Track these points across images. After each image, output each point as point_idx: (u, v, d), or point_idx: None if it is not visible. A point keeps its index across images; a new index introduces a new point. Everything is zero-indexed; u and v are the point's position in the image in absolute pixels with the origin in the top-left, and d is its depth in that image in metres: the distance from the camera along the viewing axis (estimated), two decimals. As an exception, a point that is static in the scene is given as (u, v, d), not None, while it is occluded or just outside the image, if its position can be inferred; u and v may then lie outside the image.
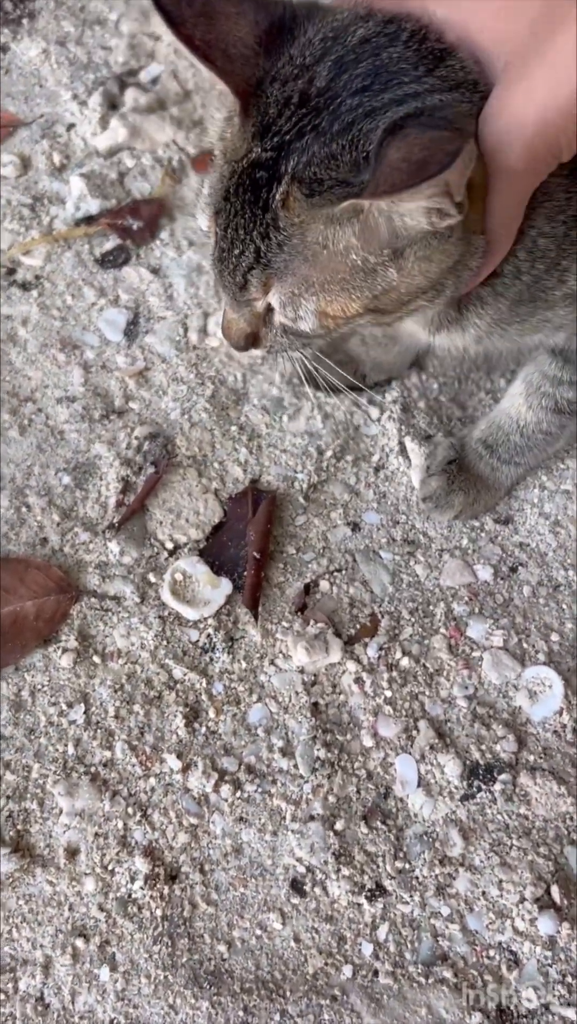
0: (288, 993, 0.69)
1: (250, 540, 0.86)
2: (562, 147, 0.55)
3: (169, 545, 0.88)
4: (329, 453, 0.94)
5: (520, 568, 0.89)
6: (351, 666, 0.82)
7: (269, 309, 0.61)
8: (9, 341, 1.00)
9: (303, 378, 0.74)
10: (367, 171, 0.51)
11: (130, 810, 0.76)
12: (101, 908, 0.73)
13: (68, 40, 1.28)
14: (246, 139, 0.56)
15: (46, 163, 1.15)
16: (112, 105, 1.21)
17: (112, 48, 1.27)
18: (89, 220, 1.10)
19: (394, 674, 0.82)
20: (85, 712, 0.80)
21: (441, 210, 0.52)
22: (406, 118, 0.51)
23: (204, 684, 0.81)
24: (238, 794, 0.77)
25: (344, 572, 0.88)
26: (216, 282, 0.62)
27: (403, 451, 0.95)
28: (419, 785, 0.77)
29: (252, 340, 0.64)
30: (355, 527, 0.91)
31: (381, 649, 0.83)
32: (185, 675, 0.82)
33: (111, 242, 1.08)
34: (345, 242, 0.55)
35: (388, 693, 0.81)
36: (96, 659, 0.82)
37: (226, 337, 0.65)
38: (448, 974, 0.71)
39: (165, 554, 0.88)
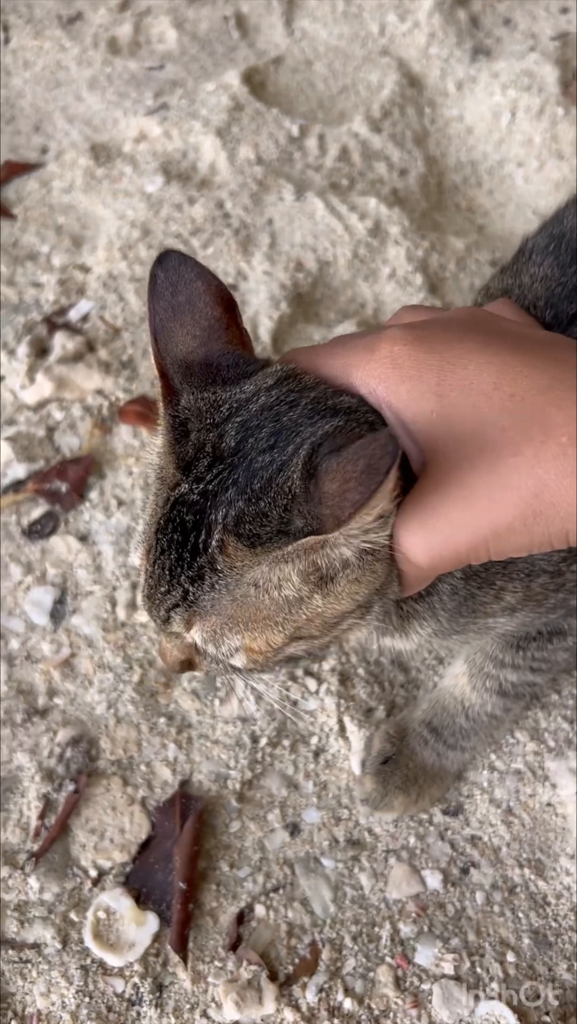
0: None
1: (176, 867, 0.80)
2: (470, 561, 0.54)
3: (93, 872, 0.83)
4: (264, 740, 0.88)
5: (472, 869, 0.81)
6: (288, 1015, 0.75)
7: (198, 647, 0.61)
8: None
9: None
10: (301, 516, 0.52)
11: None
12: None
13: None
14: (174, 466, 0.58)
15: (-26, 423, 1.13)
16: (41, 350, 1.19)
17: (43, 284, 1.27)
18: (17, 486, 1.07)
19: (336, 1021, 0.75)
20: None
21: (386, 518, 0.52)
22: (315, 450, 0.53)
23: (132, 1044, 0.75)
24: None
25: (282, 891, 0.81)
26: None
27: (343, 731, 0.88)
28: None
29: (187, 665, 0.63)
30: (294, 829, 0.84)
31: (321, 991, 0.76)
32: (110, 1036, 0.75)
33: (39, 509, 1.05)
34: (282, 578, 0.55)
35: (330, 1043, 0.74)
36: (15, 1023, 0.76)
37: (163, 661, 0.64)
38: None
39: (88, 884, 0.82)
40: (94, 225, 1.34)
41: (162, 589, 0.58)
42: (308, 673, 0.92)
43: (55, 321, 1.23)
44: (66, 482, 1.06)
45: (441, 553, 0.52)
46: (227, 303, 0.60)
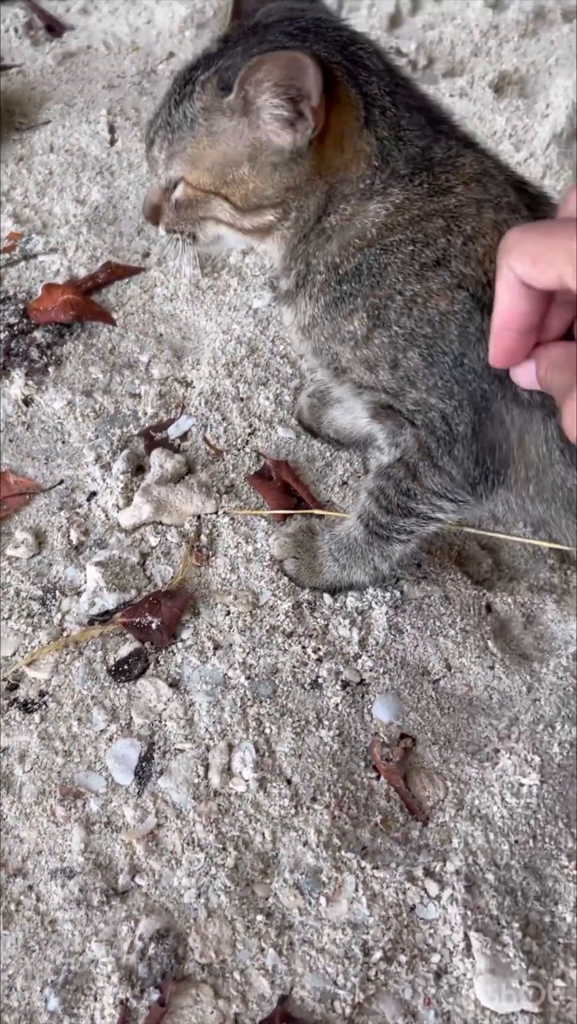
0: None
1: None
2: None
3: None
4: (378, 954, 0.76)
5: None
6: None
7: (167, 189, 0.80)
8: (2, 785, 0.86)
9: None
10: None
11: None
12: None
13: (95, 388, 1.21)
14: (216, 41, 0.77)
15: (62, 541, 1.05)
16: (138, 468, 1.12)
17: (141, 395, 1.20)
18: (104, 617, 0.97)
19: None
20: None
21: (288, 119, 0.70)
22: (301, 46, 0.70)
23: None
24: None
25: None
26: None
27: (468, 949, 0.76)
28: None
29: (156, 212, 0.82)
30: (413, 1075, 0.71)
31: None
32: None
33: (127, 647, 0.95)
34: (224, 128, 0.73)
35: None
36: None
37: (142, 210, 0.84)
38: None
39: None
40: (196, 337, 1.28)
41: (159, 116, 0.77)
42: (428, 874, 0.80)
43: (153, 436, 1.15)
44: (158, 617, 0.97)
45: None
46: None
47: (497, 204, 0.77)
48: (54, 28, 1.96)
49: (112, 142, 1.60)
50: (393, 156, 0.75)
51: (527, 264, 0.55)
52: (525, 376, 0.63)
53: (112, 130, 1.62)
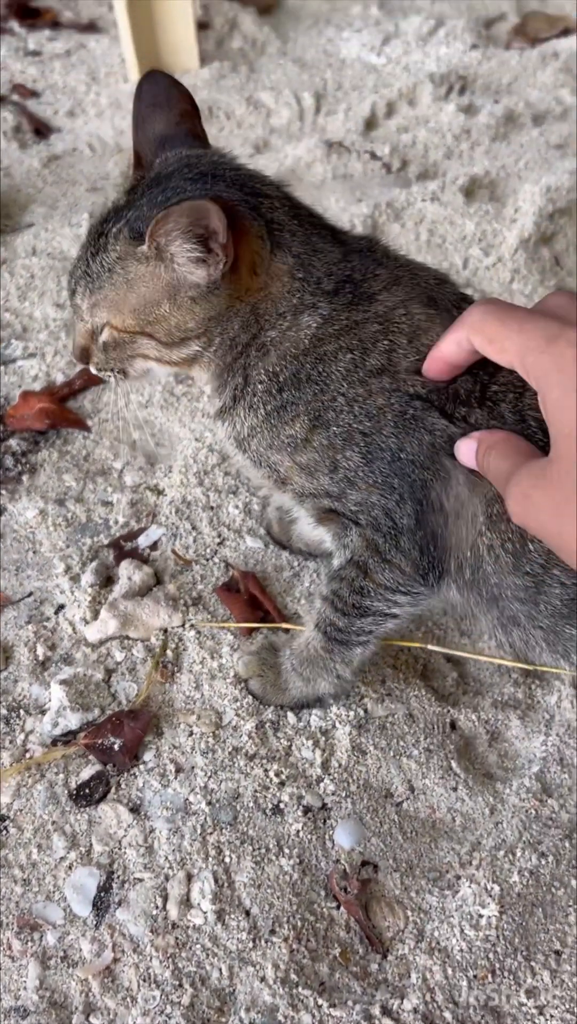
0: None
1: None
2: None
3: None
4: None
5: None
6: None
7: (94, 332, 0.85)
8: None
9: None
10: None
11: None
12: None
13: (68, 497, 1.22)
14: (124, 193, 0.84)
15: (29, 657, 1.05)
16: (107, 579, 1.13)
17: (113, 503, 1.22)
18: (67, 738, 0.98)
19: None
20: None
21: (200, 258, 0.76)
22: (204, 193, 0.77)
23: None
24: None
25: None
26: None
27: None
28: None
29: (86, 354, 0.87)
30: None
31: None
32: None
33: (88, 769, 0.95)
34: (141, 274, 0.78)
35: None
36: None
37: (72, 352, 0.90)
38: None
39: None
40: (170, 443, 1.31)
41: (79, 267, 0.83)
42: (386, 1012, 0.79)
43: (123, 546, 1.16)
44: (121, 738, 0.97)
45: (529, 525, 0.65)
46: (192, 104, 0.87)
47: (421, 300, 0.82)
48: (41, 131, 2.02)
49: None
50: (314, 267, 0.81)
51: (484, 343, 0.68)
52: (466, 455, 0.74)
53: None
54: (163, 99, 0.85)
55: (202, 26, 2.26)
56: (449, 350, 0.74)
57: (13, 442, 1.29)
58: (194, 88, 2.03)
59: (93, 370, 0.90)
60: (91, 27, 2.41)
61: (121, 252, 0.79)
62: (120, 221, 0.81)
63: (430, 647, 1.04)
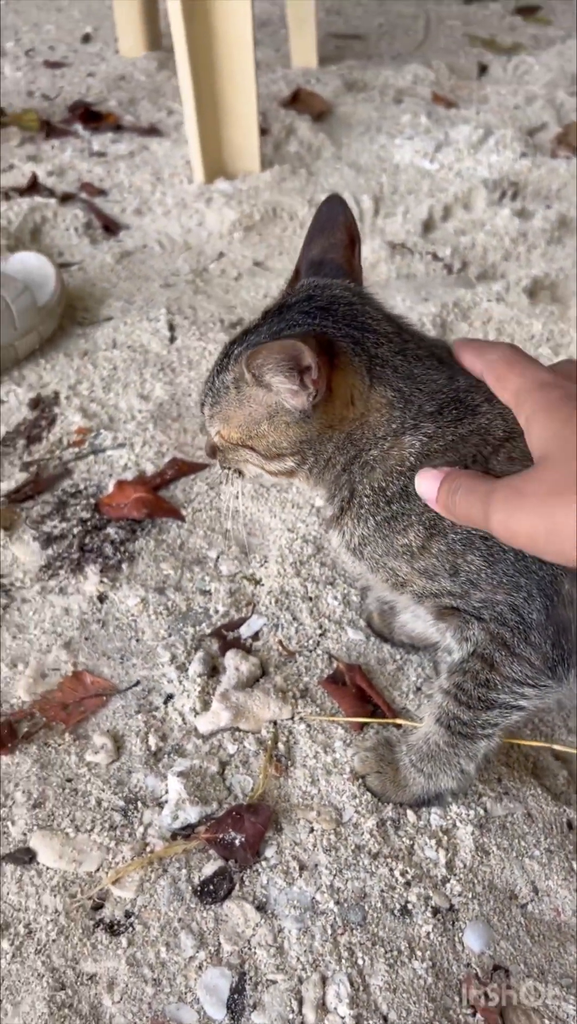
0: None
1: None
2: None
3: None
4: None
5: None
6: None
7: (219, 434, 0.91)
8: (92, 1017, 0.83)
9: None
10: None
11: None
12: None
13: (167, 585, 1.24)
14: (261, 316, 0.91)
15: (141, 747, 1.05)
16: (212, 669, 1.13)
17: (211, 592, 1.23)
18: (187, 831, 0.97)
19: None
20: None
21: (294, 390, 0.81)
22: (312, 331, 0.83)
23: None
24: None
25: None
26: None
27: None
28: None
29: (214, 452, 0.95)
30: None
31: None
32: None
33: (211, 865, 0.94)
34: (249, 395, 0.85)
35: None
36: None
37: (205, 451, 0.97)
38: None
39: None
40: (262, 533, 1.33)
41: (208, 381, 0.91)
42: None
43: (226, 636, 1.18)
44: (242, 833, 0.96)
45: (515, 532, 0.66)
46: (352, 237, 0.91)
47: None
48: (111, 228, 2.11)
49: (172, 339, 1.70)
50: (415, 398, 0.84)
51: (494, 381, 0.75)
52: (427, 489, 0.76)
53: (172, 328, 1.73)
54: (329, 224, 0.90)
55: (261, 132, 2.37)
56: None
57: (111, 530, 1.31)
58: (257, 190, 2.13)
59: (218, 467, 0.96)
60: (152, 130, 2.52)
61: (237, 373, 0.86)
62: (243, 345, 0.87)
63: (556, 746, 1.05)
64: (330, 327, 0.84)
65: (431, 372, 0.85)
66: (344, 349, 0.83)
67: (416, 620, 0.99)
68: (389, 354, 0.85)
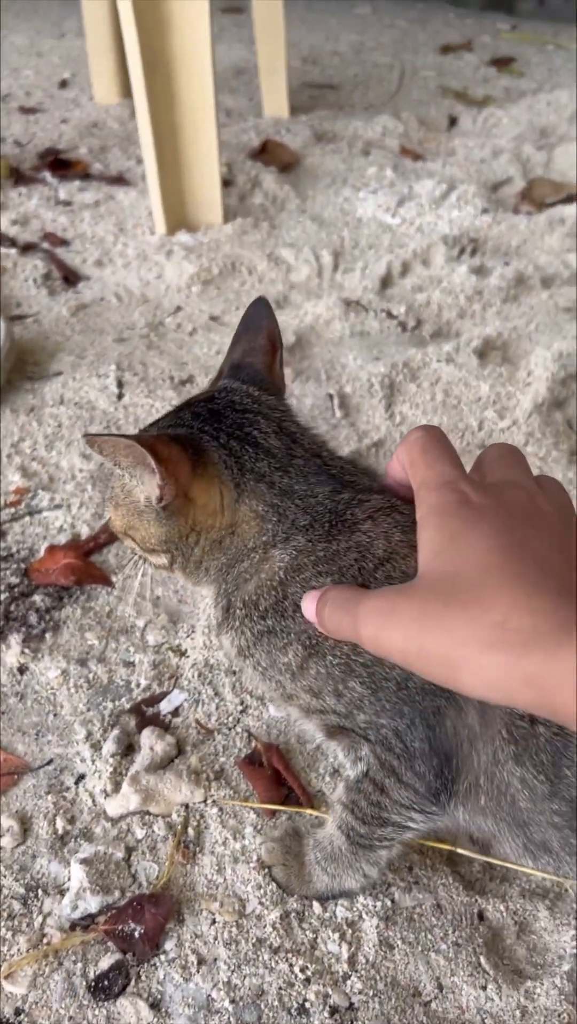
0: None
1: None
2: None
3: None
4: None
5: None
6: None
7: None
8: None
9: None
10: None
11: None
12: None
13: (90, 657, 1.22)
14: None
15: (48, 830, 1.03)
16: (128, 747, 1.11)
17: (135, 664, 1.22)
18: (87, 921, 0.95)
19: None
20: None
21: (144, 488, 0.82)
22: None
23: None
24: None
25: None
26: None
27: None
28: None
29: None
30: None
31: None
32: None
33: (108, 958, 0.92)
34: (126, 485, 0.85)
35: None
36: None
37: (112, 526, 0.93)
38: None
39: None
40: (192, 601, 1.32)
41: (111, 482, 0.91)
42: None
43: (145, 712, 1.16)
44: (142, 925, 0.94)
45: (382, 643, 0.65)
46: (273, 343, 0.90)
47: (403, 527, 0.80)
48: (70, 279, 2.11)
49: (120, 396, 1.70)
50: (290, 513, 0.81)
51: (407, 465, 0.72)
52: (308, 608, 0.74)
53: (120, 384, 1.72)
54: (254, 327, 0.90)
55: (225, 183, 2.39)
56: (395, 468, 0.78)
57: (38, 597, 1.30)
58: (218, 243, 2.14)
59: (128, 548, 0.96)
60: (120, 179, 2.54)
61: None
62: (150, 429, 0.88)
63: (460, 851, 1.03)
64: (208, 434, 0.82)
65: (314, 487, 0.83)
66: (213, 460, 0.81)
67: (311, 733, 0.95)
68: (268, 469, 0.83)
